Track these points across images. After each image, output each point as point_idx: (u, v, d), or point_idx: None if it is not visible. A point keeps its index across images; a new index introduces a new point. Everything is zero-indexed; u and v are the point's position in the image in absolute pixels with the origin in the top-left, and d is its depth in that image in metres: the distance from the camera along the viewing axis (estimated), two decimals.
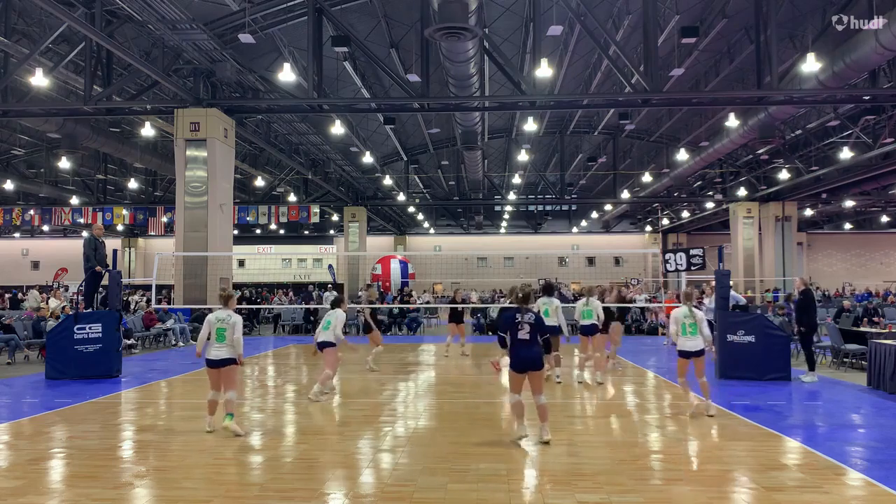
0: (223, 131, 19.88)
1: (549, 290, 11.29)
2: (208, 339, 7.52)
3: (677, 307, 8.77)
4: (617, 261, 46.60)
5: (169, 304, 20.80)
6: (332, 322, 9.49)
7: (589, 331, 11.29)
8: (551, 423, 7.88)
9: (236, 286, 30.57)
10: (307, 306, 23.59)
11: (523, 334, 6.80)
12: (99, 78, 18.15)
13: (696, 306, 16.95)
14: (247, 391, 10.93)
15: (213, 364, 7.43)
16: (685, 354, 8.44)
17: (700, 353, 8.38)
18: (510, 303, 7.14)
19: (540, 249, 47.56)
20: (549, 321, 10.35)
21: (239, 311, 16.33)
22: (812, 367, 11.45)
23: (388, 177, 34.09)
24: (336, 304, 9.89)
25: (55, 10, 13.57)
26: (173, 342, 18.10)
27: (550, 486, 5.51)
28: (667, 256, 13.45)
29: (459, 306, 15.72)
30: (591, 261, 47.28)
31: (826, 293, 33.13)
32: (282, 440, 7.24)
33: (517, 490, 5.45)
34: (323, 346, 9.51)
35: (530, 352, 6.82)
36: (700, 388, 8.51)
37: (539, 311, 8.67)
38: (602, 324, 11.51)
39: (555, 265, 46.27)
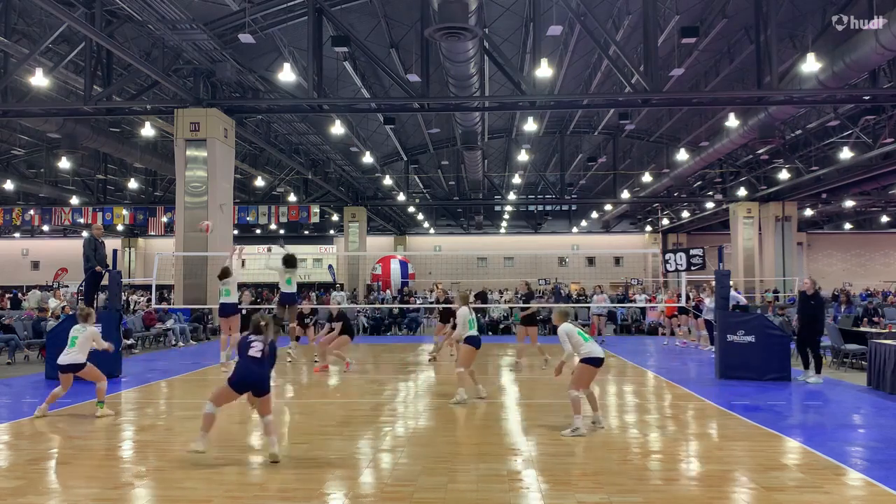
0: (223, 131, 19.87)
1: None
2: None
3: (569, 324, 7.69)
4: (617, 261, 46.60)
5: (168, 304, 20.79)
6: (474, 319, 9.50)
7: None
8: (553, 424, 7.87)
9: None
10: (309, 306, 23.50)
11: (255, 351, 6.19)
12: (99, 78, 18.15)
13: (695, 307, 17.14)
14: None
15: (64, 369, 8.42)
16: (596, 362, 7.43)
17: (602, 361, 7.56)
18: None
19: (540, 249, 47.53)
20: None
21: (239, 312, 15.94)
22: (819, 370, 11.34)
23: (388, 177, 34.08)
24: (465, 301, 9.62)
25: (55, 10, 13.57)
26: (173, 342, 18.09)
27: (550, 486, 5.51)
28: (667, 256, 13.45)
29: (450, 306, 15.63)
30: (591, 261, 47.28)
31: (836, 293, 32.97)
32: (282, 440, 7.23)
33: (517, 490, 5.45)
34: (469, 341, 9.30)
35: (255, 372, 6.16)
36: (589, 399, 7.70)
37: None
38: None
39: (555, 265, 46.27)
